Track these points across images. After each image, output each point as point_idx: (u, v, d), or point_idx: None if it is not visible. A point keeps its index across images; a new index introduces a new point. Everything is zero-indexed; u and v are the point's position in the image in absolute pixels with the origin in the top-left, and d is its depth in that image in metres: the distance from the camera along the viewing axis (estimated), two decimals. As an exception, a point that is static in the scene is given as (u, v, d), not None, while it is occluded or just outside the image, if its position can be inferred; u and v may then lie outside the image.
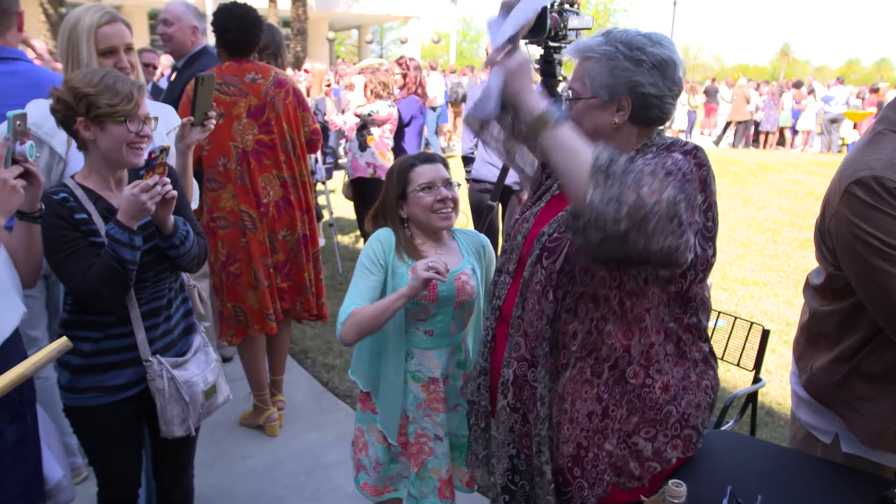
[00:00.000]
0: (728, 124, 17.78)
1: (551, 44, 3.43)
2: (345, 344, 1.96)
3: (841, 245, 1.54)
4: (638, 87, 1.48)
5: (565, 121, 1.36)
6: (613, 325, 1.49)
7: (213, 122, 2.30)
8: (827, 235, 1.60)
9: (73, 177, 1.88)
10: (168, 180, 1.81)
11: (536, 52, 3.52)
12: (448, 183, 2.04)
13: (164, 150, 1.77)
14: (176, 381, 1.96)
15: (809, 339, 1.77)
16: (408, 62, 5.49)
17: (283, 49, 4.05)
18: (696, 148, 1.48)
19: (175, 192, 1.85)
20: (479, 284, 2.10)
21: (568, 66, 3.74)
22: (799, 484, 1.58)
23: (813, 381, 1.72)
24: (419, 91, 5.43)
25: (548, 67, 3.48)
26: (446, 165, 2.11)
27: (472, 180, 4.67)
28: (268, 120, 3.10)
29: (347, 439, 3.36)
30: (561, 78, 3.59)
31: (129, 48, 2.38)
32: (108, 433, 1.98)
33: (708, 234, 1.47)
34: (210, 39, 3.51)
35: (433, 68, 13.70)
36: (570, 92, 1.56)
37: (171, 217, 1.90)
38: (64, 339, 1.47)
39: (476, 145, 4.21)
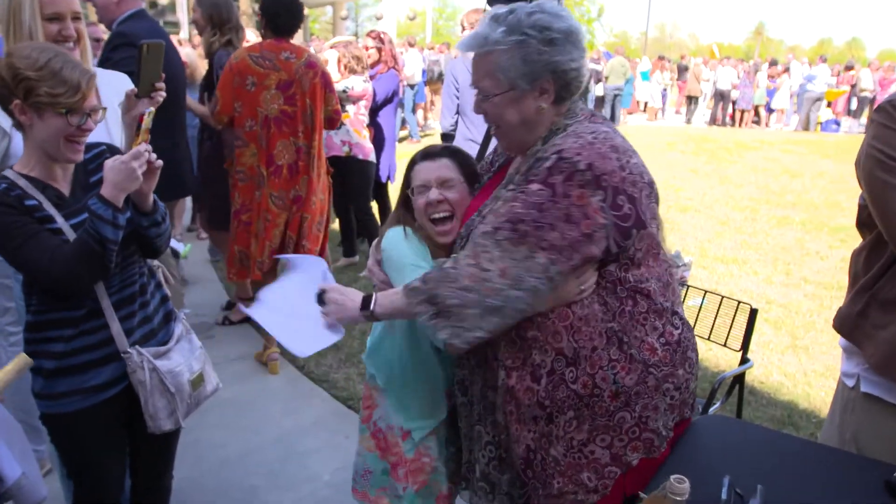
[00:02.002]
0: (689, 99, 18.23)
1: None
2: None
3: (861, 169, 1.60)
4: (559, 66, 1.46)
5: (376, 303, 1.56)
6: (537, 330, 1.46)
7: (163, 93, 2.12)
8: (857, 166, 1.64)
9: (11, 168, 1.70)
10: (150, 147, 1.66)
11: None
12: (446, 183, 1.74)
13: (151, 114, 1.67)
14: (159, 371, 1.82)
15: (849, 283, 1.78)
16: (381, 35, 5.33)
17: (241, 26, 3.99)
18: (558, 159, 1.39)
19: (160, 162, 1.71)
20: None
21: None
22: (798, 471, 1.51)
23: (839, 314, 1.73)
24: (396, 66, 5.30)
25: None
26: (460, 158, 1.80)
27: None
28: (293, 94, 3.54)
29: (324, 425, 3.28)
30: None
31: (76, 16, 2.20)
32: (93, 440, 1.84)
33: (625, 223, 1.40)
34: None
35: (411, 45, 13.45)
36: (478, 90, 1.52)
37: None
38: (21, 356, 1.34)
39: (456, 123, 4.09)
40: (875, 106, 1.59)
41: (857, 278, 1.71)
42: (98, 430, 1.83)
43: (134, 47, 2.94)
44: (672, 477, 1.09)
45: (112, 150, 1.90)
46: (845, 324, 1.70)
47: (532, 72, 1.45)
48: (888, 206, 1.51)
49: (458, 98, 4.00)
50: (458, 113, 4.04)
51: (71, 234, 1.67)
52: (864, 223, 1.72)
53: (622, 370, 1.44)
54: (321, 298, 1.64)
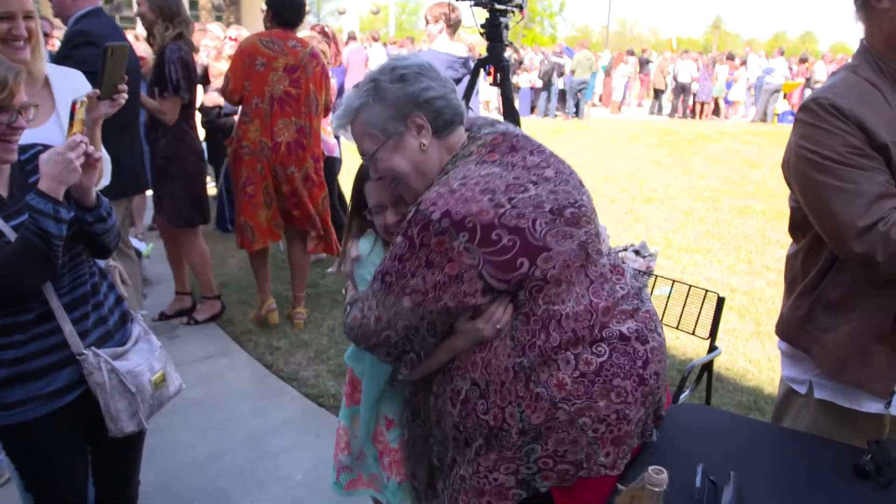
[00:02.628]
0: (656, 92, 18.60)
1: (497, 6, 3.30)
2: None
3: (791, 170, 1.60)
4: (419, 95, 1.46)
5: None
6: (460, 359, 1.48)
7: (125, 95, 2.10)
8: (785, 168, 1.64)
9: None
10: (87, 139, 1.60)
11: (482, 14, 3.38)
12: (399, 201, 1.64)
13: (83, 104, 1.61)
14: (118, 371, 1.76)
15: (786, 287, 1.77)
16: (325, 29, 5.29)
17: (190, 20, 3.96)
18: (415, 212, 1.39)
19: (100, 154, 1.65)
20: None
21: (515, 32, 3.62)
22: (770, 456, 1.53)
23: (782, 320, 1.73)
24: (340, 59, 5.33)
25: (493, 31, 3.35)
26: None
27: None
28: (298, 78, 3.85)
29: (294, 424, 3.23)
30: (507, 43, 3.46)
31: (28, 15, 2.12)
32: (52, 449, 1.76)
33: (503, 255, 1.34)
34: None
35: (375, 39, 13.35)
36: (364, 156, 1.56)
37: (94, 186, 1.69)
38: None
39: None
40: (800, 107, 1.58)
41: (796, 281, 1.70)
42: (56, 438, 1.76)
43: (95, 46, 2.89)
44: (650, 468, 1.09)
45: (48, 150, 1.84)
46: (790, 329, 1.69)
47: (397, 111, 1.46)
48: (827, 208, 1.48)
49: None
50: None
51: (12, 235, 1.60)
52: (797, 226, 1.70)
53: (528, 408, 1.39)
54: None
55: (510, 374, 1.40)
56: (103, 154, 2.17)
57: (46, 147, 1.77)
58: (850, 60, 1.63)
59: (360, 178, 1.74)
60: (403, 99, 1.46)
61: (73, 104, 1.59)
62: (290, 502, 2.68)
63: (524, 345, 1.40)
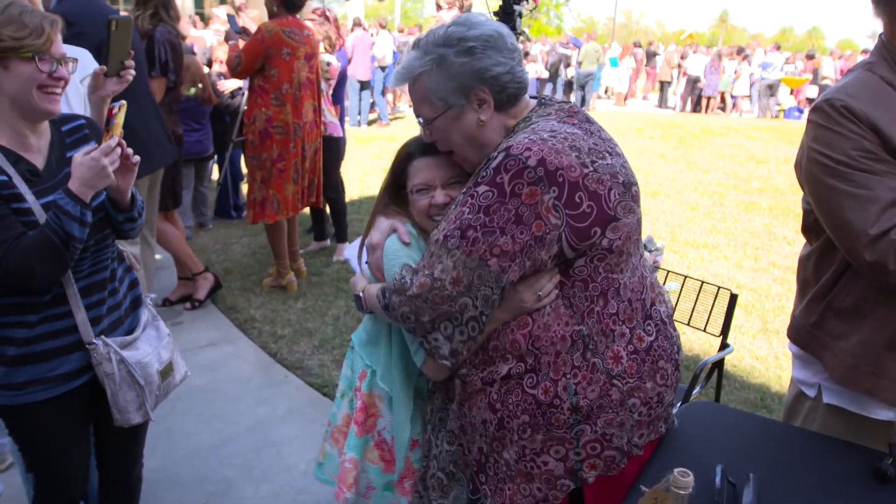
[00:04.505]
0: (662, 84, 18.48)
1: (512, -7, 3.25)
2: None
3: (803, 173, 1.56)
4: (486, 73, 1.40)
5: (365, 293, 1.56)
6: (497, 339, 1.40)
7: (132, 71, 2.02)
8: (797, 169, 1.61)
9: None
10: (125, 142, 1.58)
11: (495, 2, 3.33)
12: (452, 181, 1.59)
13: (122, 108, 1.57)
14: (127, 363, 1.73)
15: (798, 289, 1.74)
16: (325, 12, 5.24)
17: (169, 3, 3.88)
18: (506, 156, 1.31)
19: (138, 158, 1.61)
20: None
21: (527, 23, 3.58)
22: (788, 458, 1.50)
23: (793, 325, 1.70)
24: (342, 44, 5.31)
25: (507, 19, 3.31)
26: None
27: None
28: (312, 64, 4.37)
29: (298, 413, 3.21)
30: (520, 32, 3.42)
31: None
32: (55, 433, 1.74)
33: (582, 222, 1.30)
34: None
35: (382, 27, 13.24)
36: (420, 120, 1.49)
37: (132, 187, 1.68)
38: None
39: None
40: (812, 108, 1.54)
41: (808, 285, 1.67)
42: (60, 422, 1.75)
43: (71, 26, 2.81)
44: (676, 470, 1.07)
45: (92, 126, 1.81)
46: (801, 335, 1.67)
47: (460, 84, 1.40)
48: (838, 214, 1.45)
49: None
50: None
51: (40, 215, 1.57)
52: (810, 228, 1.66)
53: (583, 380, 1.34)
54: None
55: (567, 342, 1.35)
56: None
57: (90, 122, 1.74)
58: (867, 58, 1.58)
59: (408, 155, 1.63)
60: (468, 73, 1.39)
61: (111, 109, 1.56)
62: (294, 492, 2.66)
63: (583, 312, 1.35)
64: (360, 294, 1.57)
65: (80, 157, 1.53)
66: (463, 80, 1.40)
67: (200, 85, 5.09)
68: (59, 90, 1.59)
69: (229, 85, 5.53)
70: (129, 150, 1.60)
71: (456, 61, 1.39)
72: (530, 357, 1.37)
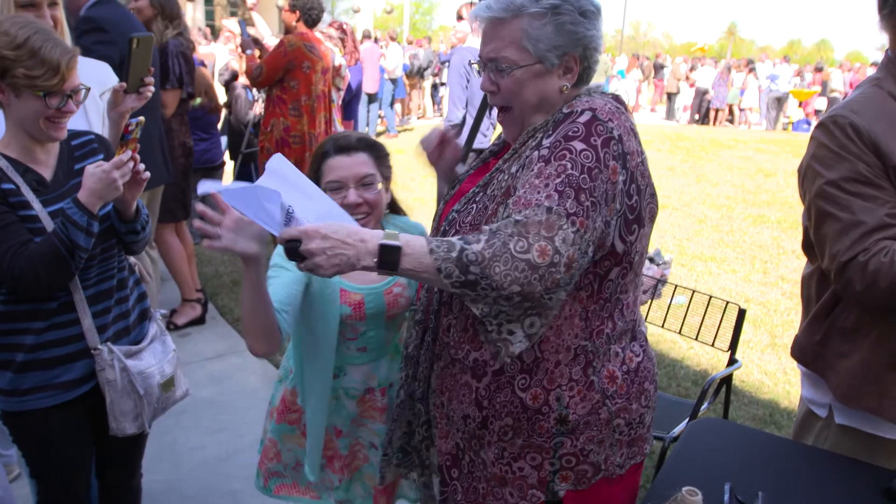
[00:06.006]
0: (669, 96, 18.49)
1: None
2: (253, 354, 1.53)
3: (803, 185, 1.57)
4: (590, 42, 1.29)
5: (399, 246, 1.13)
6: None
7: (151, 88, 2.06)
8: (799, 175, 1.61)
9: None
10: (138, 157, 1.61)
11: None
12: (365, 182, 1.60)
13: (140, 124, 1.61)
14: (129, 371, 1.75)
15: (803, 308, 1.74)
16: (343, 26, 5.30)
17: (186, 24, 3.95)
18: (594, 118, 1.23)
19: (148, 174, 1.64)
20: (414, 291, 1.74)
21: None
22: (797, 476, 1.49)
23: (797, 343, 1.70)
24: (359, 58, 5.35)
25: None
26: (377, 152, 1.67)
27: None
28: (326, 79, 4.63)
29: (305, 427, 3.20)
30: None
31: (53, 2, 2.11)
32: (59, 440, 1.76)
33: (631, 215, 1.25)
34: None
35: (392, 39, 13.32)
36: (495, 63, 1.31)
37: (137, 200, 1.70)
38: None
39: (465, 115, 4.01)
40: (817, 125, 1.54)
41: (811, 303, 1.68)
42: (64, 429, 1.76)
43: (103, 31, 2.86)
44: (684, 489, 1.06)
45: (101, 141, 1.84)
46: (805, 353, 1.67)
47: (563, 45, 1.27)
48: (820, 233, 1.48)
49: (467, 89, 3.88)
50: (467, 104, 3.94)
51: (47, 222, 1.60)
52: (810, 245, 1.65)
53: (577, 395, 1.30)
54: (295, 251, 1.14)
55: (570, 354, 1.28)
56: None
57: (100, 138, 1.77)
58: (874, 73, 1.58)
59: (323, 153, 1.63)
60: (576, 37, 1.28)
61: (128, 125, 1.59)
62: (301, 506, 2.65)
63: (593, 330, 1.29)
64: (398, 244, 1.14)
65: (92, 168, 1.56)
66: (567, 40, 1.27)
67: (207, 95, 5.14)
68: (65, 121, 1.62)
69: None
70: (141, 166, 1.63)
71: (568, 18, 1.26)
72: (529, 357, 1.29)
